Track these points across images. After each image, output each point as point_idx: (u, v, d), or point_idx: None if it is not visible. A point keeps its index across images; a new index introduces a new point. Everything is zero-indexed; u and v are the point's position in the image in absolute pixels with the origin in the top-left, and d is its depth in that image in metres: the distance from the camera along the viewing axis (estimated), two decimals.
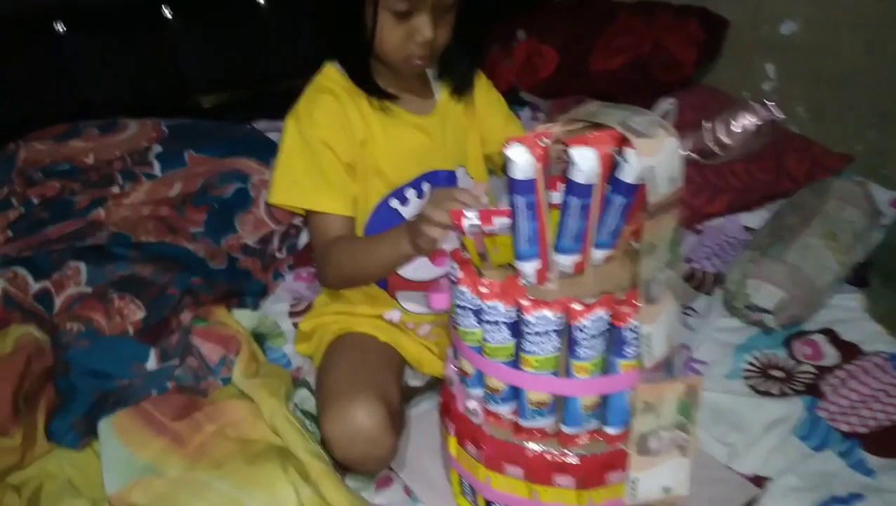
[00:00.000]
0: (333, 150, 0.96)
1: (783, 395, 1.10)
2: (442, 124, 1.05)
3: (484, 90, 1.12)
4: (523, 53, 2.01)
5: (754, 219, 1.51)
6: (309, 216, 1.00)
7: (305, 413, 1.05)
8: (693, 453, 0.81)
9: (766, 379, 1.13)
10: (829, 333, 1.21)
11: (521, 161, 0.72)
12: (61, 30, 1.61)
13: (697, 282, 1.38)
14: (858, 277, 1.31)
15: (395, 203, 1.01)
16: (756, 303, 1.19)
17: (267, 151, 1.50)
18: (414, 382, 1.13)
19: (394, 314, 1.09)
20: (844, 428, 1.04)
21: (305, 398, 1.07)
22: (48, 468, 0.95)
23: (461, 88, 1.06)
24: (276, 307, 1.32)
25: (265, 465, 0.91)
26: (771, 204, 1.54)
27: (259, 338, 1.21)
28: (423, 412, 1.09)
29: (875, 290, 1.25)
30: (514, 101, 1.98)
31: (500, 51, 2.01)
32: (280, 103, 1.74)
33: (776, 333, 1.21)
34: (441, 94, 1.06)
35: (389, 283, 1.06)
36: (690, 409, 0.79)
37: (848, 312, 1.25)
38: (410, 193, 1.02)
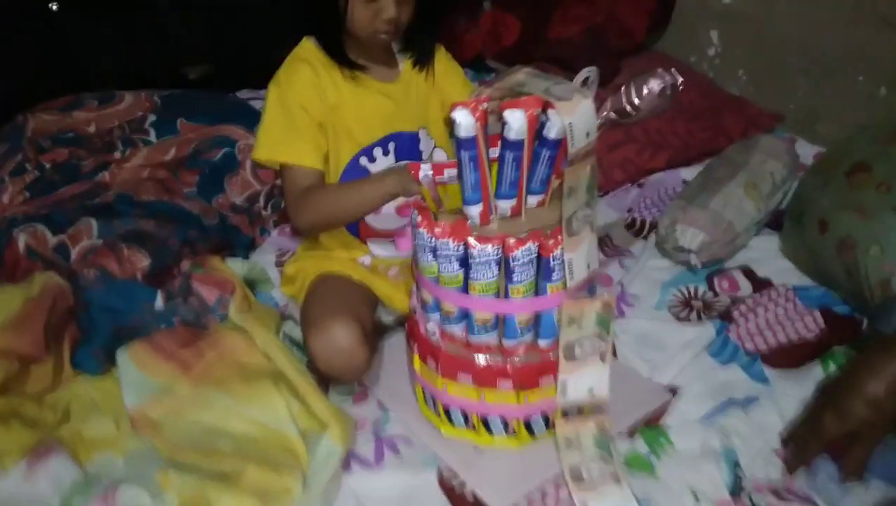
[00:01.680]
0: (308, 111, 1.12)
1: (700, 320, 1.29)
2: (405, 91, 1.21)
3: (443, 61, 1.27)
4: (489, 23, 2.15)
5: (692, 173, 1.65)
6: (283, 170, 1.15)
7: (292, 341, 1.22)
8: (608, 358, 0.98)
9: (687, 309, 1.32)
10: (746, 270, 1.40)
11: (465, 122, 0.89)
12: (55, 8, 1.73)
13: (637, 229, 1.55)
14: (777, 222, 1.49)
15: (364, 161, 1.17)
16: (682, 245, 1.37)
17: (251, 119, 1.65)
18: (386, 318, 1.30)
19: (365, 258, 1.26)
20: (749, 347, 1.23)
21: (292, 328, 1.24)
22: (75, 391, 1.12)
23: (422, 60, 1.21)
24: (263, 258, 1.47)
25: (260, 383, 1.09)
26: (708, 159, 1.70)
27: (250, 284, 1.37)
28: (394, 343, 1.26)
29: (787, 232, 1.43)
30: (480, 67, 2.13)
31: (467, 21, 2.14)
32: (261, 75, 1.89)
33: (700, 271, 1.39)
34: (404, 64, 1.21)
35: (361, 231, 1.23)
36: (607, 322, 0.97)
37: (765, 252, 1.44)
38: (377, 152, 1.18)
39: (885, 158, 1.30)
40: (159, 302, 1.22)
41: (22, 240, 1.27)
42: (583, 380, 0.99)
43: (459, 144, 0.90)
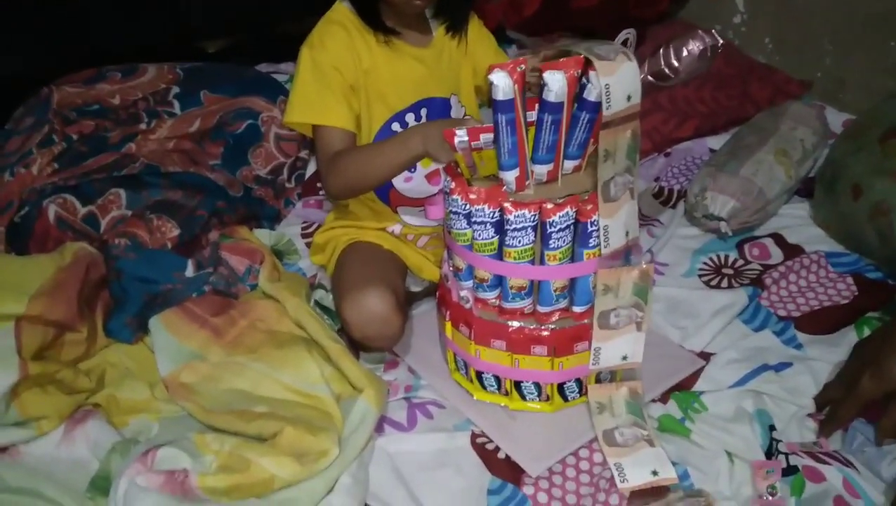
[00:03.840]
0: (341, 73, 1.11)
1: (731, 287, 1.28)
2: (438, 57, 1.19)
3: (476, 28, 1.25)
4: None
5: (720, 142, 1.64)
6: (316, 132, 1.13)
7: (323, 309, 1.23)
8: (646, 327, 0.98)
9: (718, 276, 1.31)
10: (777, 237, 1.39)
11: (502, 84, 0.87)
12: None
13: (665, 198, 1.54)
14: (807, 189, 1.47)
15: (396, 126, 1.16)
16: (712, 212, 1.36)
17: (274, 91, 1.65)
18: (415, 287, 1.30)
19: (395, 227, 1.25)
20: (781, 313, 1.22)
21: (322, 296, 1.24)
22: (109, 358, 1.13)
23: (455, 26, 1.20)
24: (288, 230, 1.47)
25: (292, 349, 1.09)
26: (735, 128, 1.68)
27: (276, 255, 1.37)
28: (423, 312, 1.27)
29: (818, 199, 1.42)
30: (500, 39, 2.08)
31: None
32: (280, 48, 1.89)
33: (730, 238, 1.38)
34: (437, 30, 1.20)
35: (391, 199, 1.22)
36: (644, 291, 0.96)
37: (795, 220, 1.43)
38: (410, 118, 1.17)
39: None
40: (189, 270, 1.23)
41: (52, 210, 1.28)
42: (617, 347, 0.99)
43: (497, 107, 0.89)
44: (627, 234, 0.96)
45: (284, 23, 1.98)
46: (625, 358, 1.00)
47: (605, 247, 0.93)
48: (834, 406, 1.01)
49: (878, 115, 1.36)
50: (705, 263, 1.34)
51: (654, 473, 0.96)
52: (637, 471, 0.97)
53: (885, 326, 1.02)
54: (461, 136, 0.92)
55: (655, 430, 1.03)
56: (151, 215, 1.28)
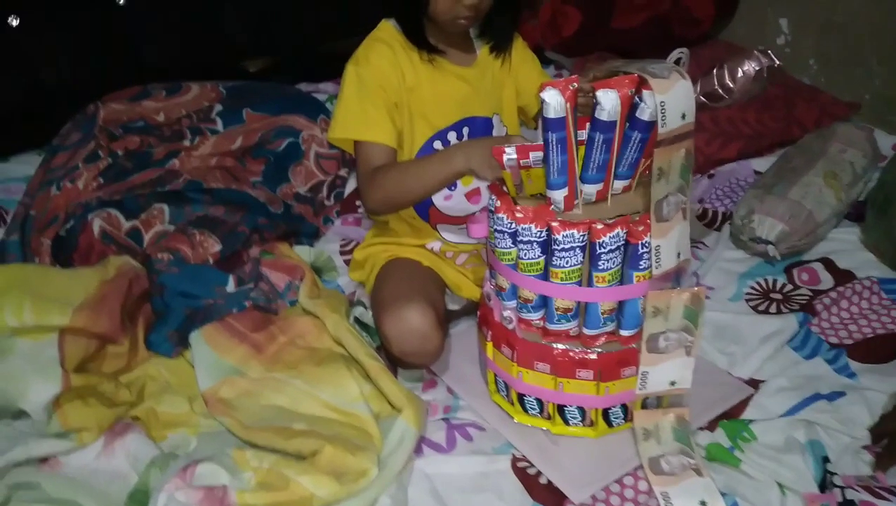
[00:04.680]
0: (385, 90, 1.11)
1: (780, 313, 1.24)
2: (481, 76, 1.19)
3: (520, 49, 1.25)
4: (548, 13, 2.12)
5: (764, 164, 1.62)
6: (357, 147, 1.13)
7: (362, 326, 1.22)
8: (696, 352, 0.95)
9: (766, 301, 1.28)
10: (827, 262, 1.35)
11: (554, 102, 0.86)
12: (122, 2, 1.75)
13: (709, 220, 1.51)
14: (857, 213, 1.44)
15: (437, 144, 1.16)
16: (759, 235, 1.33)
17: (315, 109, 1.66)
18: (452, 306, 1.29)
19: (435, 245, 1.25)
20: (833, 340, 1.18)
21: (362, 313, 1.23)
22: (150, 372, 1.13)
23: (500, 46, 1.20)
24: (327, 247, 1.47)
25: (332, 366, 1.09)
26: (781, 150, 1.65)
27: (316, 271, 1.37)
28: (462, 330, 1.25)
29: (869, 222, 1.38)
30: (539, 59, 2.10)
31: (526, 11, 2.12)
32: (320, 68, 1.90)
33: (778, 263, 1.35)
34: (482, 50, 1.20)
35: (431, 217, 1.21)
36: (695, 315, 0.94)
37: (845, 244, 1.39)
38: (452, 136, 1.16)
39: None
40: (231, 285, 1.22)
41: (97, 224, 1.29)
42: (665, 372, 0.97)
43: (548, 125, 0.88)
44: (679, 255, 0.93)
45: (325, 43, 2.00)
46: (673, 383, 0.98)
47: (657, 268, 0.91)
48: (892, 439, 0.97)
49: None
50: (752, 288, 1.31)
51: (703, 503, 0.93)
52: (684, 501, 0.94)
53: None
54: (510, 153, 0.91)
55: (703, 459, 1.00)
56: (194, 231, 1.28)
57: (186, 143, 1.47)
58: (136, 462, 1.00)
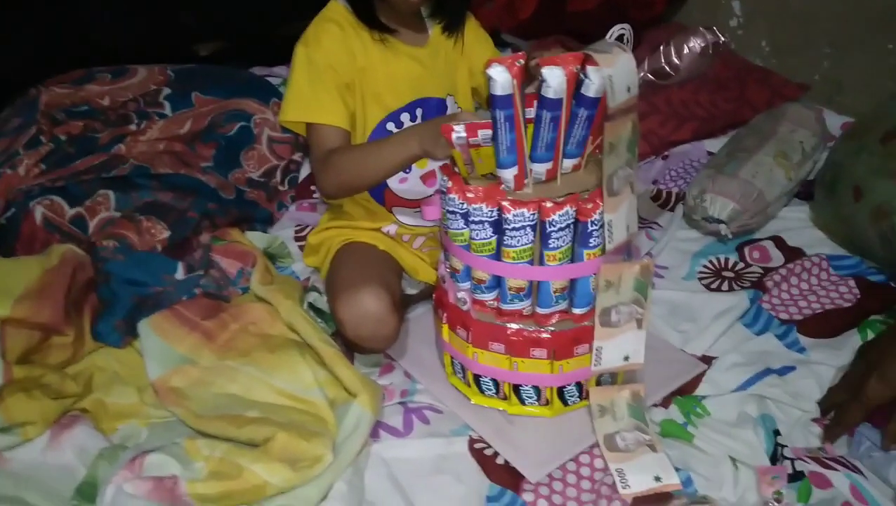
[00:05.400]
0: (336, 70, 1.09)
1: (732, 290, 1.26)
2: (434, 56, 1.17)
3: (473, 29, 1.24)
4: None
5: (717, 145, 1.63)
6: (310, 130, 1.11)
7: (316, 312, 1.20)
8: (647, 324, 0.96)
9: (719, 279, 1.29)
10: (778, 240, 1.37)
11: (501, 78, 0.85)
12: None
13: (663, 201, 1.52)
14: (807, 192, 1.46)
15: (391, 126, 1.14)
16: (711, 214, 1.34)
17: (267, 93, 1.62)
18: (410, 290, 1.28)
19: (391, 228, 1.23)
20: (784, 316, 1.20)
21: (316, 298, 1.22)
22: (97, 362, 1.10)
23: (452, 26, 1.18)
24: (282, 232, 1.45)
25: (285, 353, 1.07)
26: (733, 131, 1.67)
27: (269, 257, 1.34)
28: (419, 314, 1.24)
29: (818, 201, 1.40)
30: (496, 43, 2.07)
31: None
32: (274, 51, 1.86)
33: (730, 241, 1.36)
34: (434, 29, 1.18)
35: (386, 200, 1.20)
36: (644, 287, 0.94)
37: (795, 223, 1.41)
38: (405, 117, 1.15)
39: None
40: (180, 273, 1.20)
41: (39, 212, 1.25)
42: (619, 347, 0.97)
43: (495, 103, 0.87)
44: (628, 228, 0.94)
45: (278, 26, 1.96)
46: (626, 358, 0.98)
47: (610, 242, 0.91)
48: (839, 411, 0.99)
49: (879, 116, 1.35)
50: (705, 266, 1.32)
51: (657, 478, 0.94)
52: (639, 477, 0.94)
53: (889, 329, 1.00)
54: (459, 131, 0.90)
55: (658, 435, 1.01)
56: (141, 217, 1.25)
57: (133, 127, 1.43)
58: (84, 455, 0.98)
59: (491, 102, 0.87)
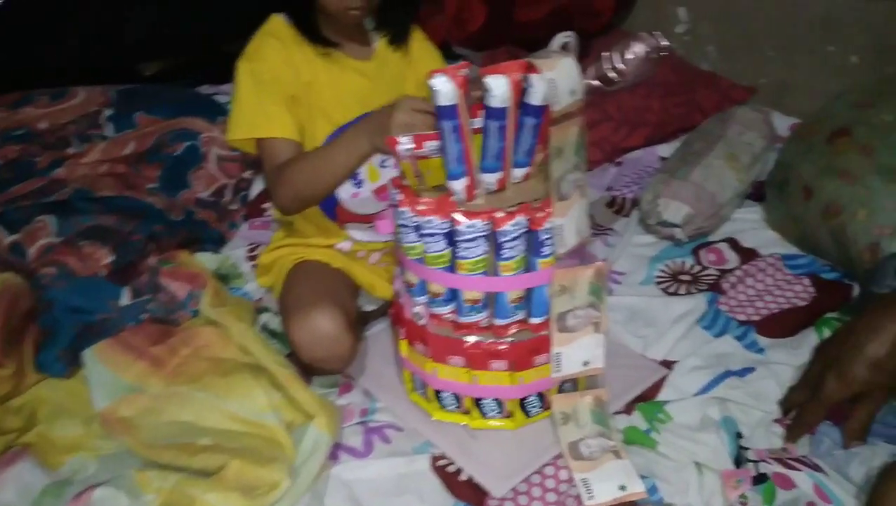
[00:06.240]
0: (281, 82, 1.07)
1: (689, 294, 1.26)
2: (381, 70, 1.16)
3: (420, 42, 1.22)
4: (453, 8, 2.10)
5: (669, 150, 1.63)
6: (260, 146, 1.09)
7: (271, 333, 1.17)
8: (605, 327, 0.95)
9: (676, 282, 1.29)
10: (732, 242, 1.37)
11: (444, 89, 0.84)
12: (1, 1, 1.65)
13: (618, 207, 1.53)
14: (758, 193, 1.47)
15: None
16: (666, 219, 1.34)
17: (213, 111, 1.59)
18: (369, 306, 1.25)
19: (345, 245, 1.21)
20: (741, 317, 1.20)
21: (270, 319, 1.19)
22: (41, 395, 1.06)
23: (396, 38, 1.17)
24: (234, 253, 1.41)
25: (238, 377, 1.03)
26: (685, 135, 1.68)
27: (221, 279, 1.31)
28: (378, 331, 1.21)
29: (770, 202, 1.41)
30: (447, 55, 2.07)
31: (430, 6, 2.10)
32: (221, 70, 1.82)
33: (685, 245, 1.36)
34: (379, 43, 1.17)
35: (339, 215, 1.18)
36: (599, 290, 0.93)
37: (749, 224, 1.42)
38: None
39: (865, 121, 1.28)
40: (125, 298, 1.16)
41: None
42: (578, 352, 0.96)
43: (440, 113, 0.86)
44: (580, 233, 0.93)
45: (225, 43, 1.92)
46: (587, 364, 0.97)
47: (561, 247, 0.90)
48: (799, 411, 0.99)
49: (825, 116, 1.37)
50: (662, 271, 1.32)
51: (622, 487, 0.92)
52: (604, 486, 0.93)
53: (845, 326, 1.00)
54: (405, 143, 0.88)
55: (622, 442, 1.00)
56: (83, 242, 1.20)
57: (72, 150, 1.38)
58: (27, 493, 0.94)
59: (436, 113, 0.86)
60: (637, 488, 0.92)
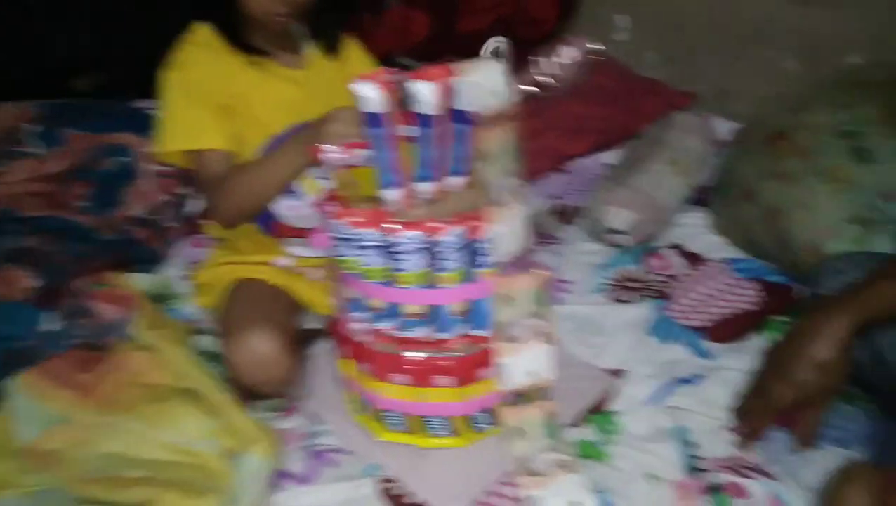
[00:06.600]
0: (210, 92, 1.03)
1: (637, 301, 1.25)
2: (315, 79, 1.12)
3: (356, 52, 1.19)
4: (396, 19, 2.08)
5: (615, 157, 1.64)
6: (195, 158, 1.05)
7: (212, 356, 1.12)
8: (554, 338, 0.92)
9: (624, 290, 1.28)
10: (677, 247, 1.37)
11: (370, 95, 0.81)
12: None
13: (565, 215, 1.51)
14: (703, 198, 1.47)
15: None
16: (612, 226, 1.33)
17: (147, 125, 1.52)
18: (314, 324, 1.21)
19: (285, 261, 1.16)
20: (690, 323, 1.19)
21: (208, 341, 1.14)
22: None
23: (328, 46, 1.14)
24: (172, 272, 1.36)
25: (171, 403, 0.98)
26: (630, 142, 1.68)
27: (158, 300, 1.26)
28: (324, 350, 1.17)
29: (714, 206, 1.42)
30: (390, 66, 2.05)
31: (372, 18, 2.07)
32: (155, 83, 1.76)
33: (632, 251, 1.36)
34: (312, 51, 1.13)
35: (276, 230, 1.13)
36: (544, 299, 0.90)
37: (694, 229, 1.42)
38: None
39: (801, 125, 1.30)
40: (51, 324, 1.09)
41: None
42: (525, 363, 0.93)
43: (367, 121, 0.83)
44: (520, 240, 0.90)
45: (159, 56, 1.87)
46: (534, 374, 0.94)
47: (499, 254, 0.87)
48: (749, 416, 0.97)
49: (763, 120, 1.38)
50: (610, 279, 1.31)
51: (573, 504, 0.90)
52: (556, 501, 0.90)
53: (791, 330, 1.00)
54: (333, 151, 0.85)
55: (574, 456, 0.97)
56: (6, 265, 1.14)
57: None
58: None
59: (364, 121, 0.83)
60: (588, 503, 0.90)
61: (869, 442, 0.97)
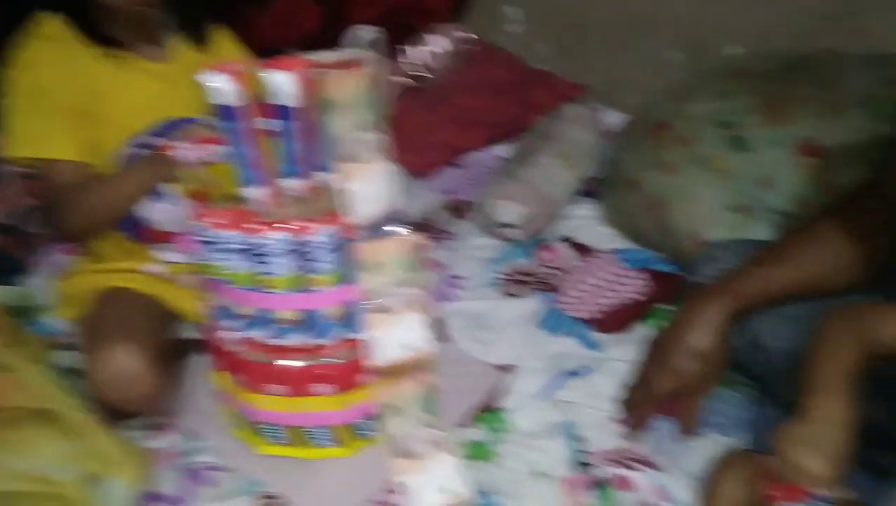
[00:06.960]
0: (62, 93, 0.95)
1: (528, 294, 1.24)
2: (182, 73, 1.04)
3: (227, 43, 1.13)
4: (284, 10, 2.01)
5: (509, 150, 1.62)
6: (42, 166, 0.98)
7: (72, 372, 1.04)
8: (429, 308, 0.86)
9: (515, 284, 1.27)
10: (568, 240, 1.36)
11: (223, 88, 0.76)
12: None
13: (459, 210, 1.49)
14: (592, 190, 1.48)
15: (136, 150, 1.00)
16: (502, 220, 1.32)
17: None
18: (191, 333, 1.14)
19: (154, 267, 1.09)
20: (578, 315, 1.18)
21: (72, 359, 1.05)
22: None
23: (197, 38, 1.07)
24: (39, 282, 1.28)
25: (28, 427, 0.90)
26: (524, 134, 1.67)
27: (20, 313, 1.17)
28: (200, 361, 1.10)
29: (603, 198, 1.42)
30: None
31: (255, 6, 1.99)
32: None
33: (523, 245, 1.34)
34: (178, 43, 1.06)
35: (143, 235, 1.06)
36: (413, 265, 0.84)
37: (584, 221, 1.41)
38: (156, 142, 1.01)
39: (683, 115, 1.31)
40: None
41: None
42: (399, 335, 0.86)
43: (221, 115, 0.77)
44: (383, 201, 0.83)
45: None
46: (409, 346, 0.87)
47: (358, 216, 0.82)
48: (633, 407, 0.97)
49: (648, 111, 1.39)
50: (501, 273, 1.29)
51: (443, 490, 0.86)
52: (427, 490, 0.86)
53: (673, 318, 1.00)
54: (183, 149, 0.79)
55: (463, 458, 0.94)
56: None
57: None
58: None
59: (218, 115, 0.77)
60: (458, 490, 0.86)
61: (750, 428, 0.98)
